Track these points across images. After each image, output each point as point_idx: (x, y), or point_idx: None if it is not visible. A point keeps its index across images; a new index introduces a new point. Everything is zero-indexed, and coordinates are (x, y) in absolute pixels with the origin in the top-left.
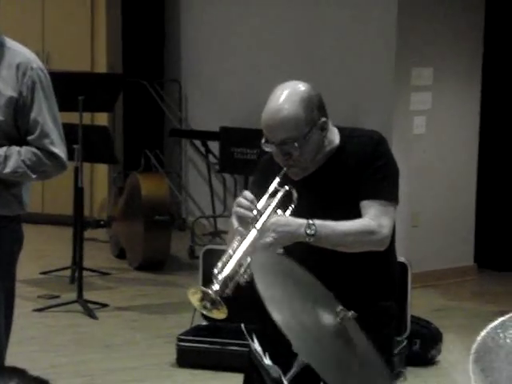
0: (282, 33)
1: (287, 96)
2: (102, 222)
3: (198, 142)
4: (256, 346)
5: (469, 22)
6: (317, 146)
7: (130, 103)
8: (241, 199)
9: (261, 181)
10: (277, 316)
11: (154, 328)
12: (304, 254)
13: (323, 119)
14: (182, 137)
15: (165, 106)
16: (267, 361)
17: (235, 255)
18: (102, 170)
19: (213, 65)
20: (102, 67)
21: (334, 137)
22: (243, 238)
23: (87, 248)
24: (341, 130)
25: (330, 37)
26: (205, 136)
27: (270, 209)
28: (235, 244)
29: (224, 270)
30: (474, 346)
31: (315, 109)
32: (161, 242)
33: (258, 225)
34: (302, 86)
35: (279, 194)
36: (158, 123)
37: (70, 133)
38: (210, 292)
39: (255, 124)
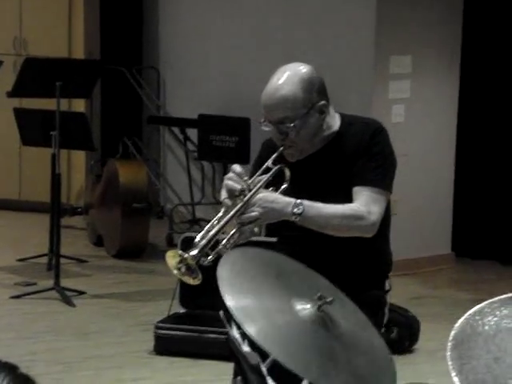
0: (259, 20)
1: (287, 77)
2: (79, 209)
3: (176, 130)
4: (234, 332)
5: (447, 10)
6: (314, 129)
7: (108, 90)
8: (230, 173)
9: (259, 161)
10: (249, 328)
11: (132, 316)
12: (296, 240)
13: (322, 102)
14: (161, 124)
15: (143, 92)
16: (246, 348)
17: (218, 225)
18: (79, 156)
19: (191, 52)
20: (79, 53)
21: (335, 122)
22: (229, 209)
23: (64, 235)
24: (342, 116)
25: (307, 25)
26: (183, 123)
27: (259, 184)
28: (220, 214)
29: (204, 238)
30: (452, 333)
31: (315, 91)
32: (139, 229)
33: (246, 198)
34: (303, 68)
35: (271, 172)
36: (136, 110)
37: (47, 119)
38: (187, 256)
39: (234, 112)
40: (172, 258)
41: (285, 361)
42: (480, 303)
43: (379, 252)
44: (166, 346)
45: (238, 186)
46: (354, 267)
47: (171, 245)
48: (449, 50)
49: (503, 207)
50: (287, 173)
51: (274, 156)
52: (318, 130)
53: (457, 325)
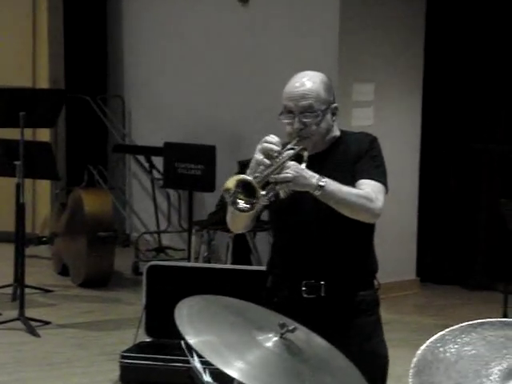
0: (223, 49)
1: (311, 75)
2: (44, 239)
3: (141, 158)
4: (196, 362)
5: (409, 38)
6: (328, 127)
7: (73, 119)
8: (268, 137)
9: None
10: (216, 361)
11: (97, 345)
12: (295, 242)
13: (336, 105)
14: (126, 152)
15: (108, 121)
16: (207, 378)
17: (268, 169)
18: (44, 185)
19: (156, 81)
20: (44, 82)
21: (336, 129)
22: (269, 166)
23: (29, 265)
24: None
25: (272, 52)
26: (148, 151)
27: (292, 152)
28: (261, 168)
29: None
30: (414, 360)
31: (332, 94)
32: (104, 258)
33: (283, 158)
34: (322, 73)
35: (296, 149)
36: (102, 139)
37: (11, 149)
38: (249, 178)
39: (199, 139)
40: (233, 180)
41: None
42: (445, 328)
43: (368, 254)
44: (131, 376)
45: (275, 147)
46: (349, 265)
47: (137, 273)
48: (411, 77)
49: (467, 233)
50: (306, 155)
51: (293, 142)
52: (330, 128)
53: (418, 352)
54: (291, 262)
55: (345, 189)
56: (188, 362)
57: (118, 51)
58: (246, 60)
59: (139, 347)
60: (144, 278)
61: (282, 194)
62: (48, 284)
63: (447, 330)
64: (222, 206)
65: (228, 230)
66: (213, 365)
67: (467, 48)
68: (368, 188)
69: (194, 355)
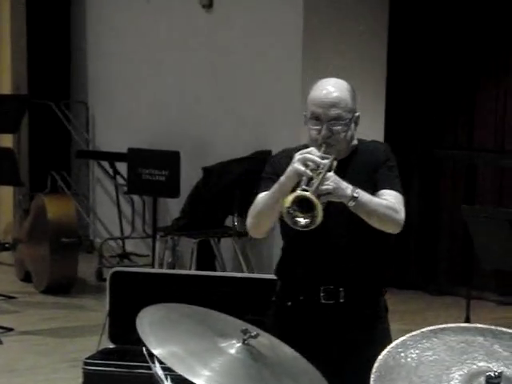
0: (187, 54)
1: (338, 83)
2: (7, 245)
3: (105, 164)
4: (157, 369)
5: (373, 46)
6: (352, 135)
7: (36, 124)
8: (310, 149)
9: (274, 174)
10: (180, 369)
11: (60, 352)
12: (312, 247)
13: (358, 113)
14: (89, 158)
15: (71, 127)
16: None
17: (315, 181)
18: (7, 192)
19: (120, 86)
20: (6, 88)
21: (355, 137)
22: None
23: None
24: None
25: (236, 56)
26: (112, 157)
27: (329, 164)
28: (304, 180)
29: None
30: (376, 365)
31: (357, 103)
32: (68, 264)
33: (325, 169)
34: (345, 81)
35: (330, 159)
36: (65, 144)
37: None
38: (307, 194)
39: (163, 145)
40: (290, 198)
41: None
42: (408, 333)
43: (386, 258)
44: (94, 383)
45: (319, 160)
46: (368, 272)
47: (101, 279)
48: (374, 82)
49: (429, 239)
50: (335, 164)
51: (321, 149)
52: (352, 137)
53: (380, 357)
54: (308, 268)
55: (375, 200)
56: (151, 368)
57: (81, 57)
58: (209, 65)
59: (102, 354)
60: (108, 284)
61: (310, 225)
62: (11, 291)
63: (408, 335)
64: (186, 213)
65: (192, 236)
66: (174, 371)
67: (430, 54)
68: (392, 198)
69: (156, 362)
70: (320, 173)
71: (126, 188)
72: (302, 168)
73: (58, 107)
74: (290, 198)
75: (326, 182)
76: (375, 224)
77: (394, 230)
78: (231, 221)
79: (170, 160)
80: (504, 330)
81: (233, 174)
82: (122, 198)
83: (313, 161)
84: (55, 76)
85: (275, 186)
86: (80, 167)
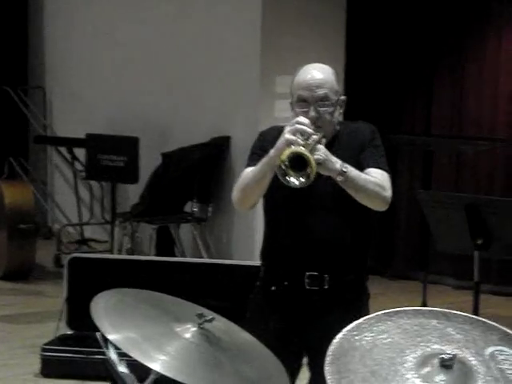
0: (146, 40)
1: (321, 67)
2: None
3: (63, 149)
4: (111, 354)
5: (331, 34)
6: (336, 118)
7: None
8: (299, 119)
9: (262, 149)
10: (135, 354)
11: (18, 338)
12: (297, 232)
13: (344, 97)
14: (47, 144)
15: (29, 112)
16: (122, 368)
17: (309, 147)
18: None
19: (78, 72)
20: None
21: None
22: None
23: None
24: None
25: (195, 46)
26: (70, 143)
27: (315, 138)
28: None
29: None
30: (331, 348)
31: (340, 86)
32: (25, 250)
33: (317, 138)
34: (329, 66)
35: (319, 135)
36: (22, 130)
37: None
38: (303, 150)
39: (121, 131)
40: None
41: (170, 374)
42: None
43: (370, 244)
44: (52, 369)
45: (310, 130)
46: (353, 259)
47: (59, 265)
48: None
49: (386, 224)
50: (324, 142)
51: (314, 137)
52: (337, 120)
53: (335, 340)
54: (292, 253)
55: (363, 176)
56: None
57: (39, 41)
58: (168, 51)
59: (60, 340)
60: (65, 270)
61: (304, 183)
62: None
63: (363, 318)
64: (145, 199)
65: (151, 222)
66: (129, 356)
67: (387, 42)
68: (379, 176)
69: (110, 346)
70: (310, 144)
71: (84, 174)
72: (293, 137)
73: (15, 92)
74: (287, 152)
75: (317, 152)
76: (363, 200)
77: (381, 207)
78: (190, 207)
79: (128, 146)
80: (457, 312)
81: (192, 159)
82: (81, 183)
83: (304, 131)
84: (12, 61)
85: (264, 159)
86: (38, 153)
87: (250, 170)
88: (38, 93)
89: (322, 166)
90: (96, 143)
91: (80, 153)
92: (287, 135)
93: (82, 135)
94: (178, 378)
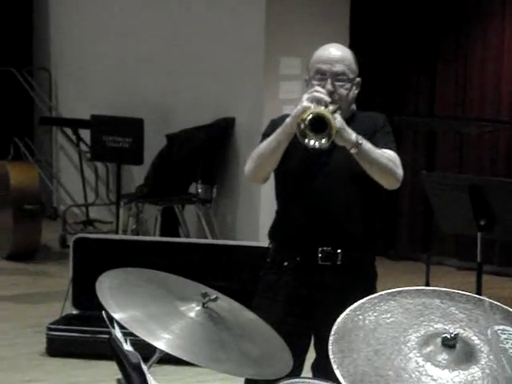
0: (151, 22)
1: (341, 46)
2: None
3: (68, 131)
4: (117, 332)
5: (335, 14)
6: (353, 97)
7: None
8: (317, 87)
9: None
10: (140, 333)
11: (24, 318)
12: (310, 209)
13: (359, 79)
14: (53, 125)
15: (34, 94)
16: (127, 347)
17: (330, 107)
18: None
19: (83, 53)
20: None
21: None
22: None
23: None
24: None
25: (199, 29)
26: (76, 124)
27: (331, 108)
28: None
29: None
30: (334, 328)
31: (358, 67)
32: (31, 231)
33: (335, 107)
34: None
35: (336, 105)
36: (28, 111)
37: None
38: (325, 112)
39: (127, 112)
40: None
41: (175, 353)
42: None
43: (378, 220)
44: (58, 348)
45: (327, 98)
46: (365, 234)
47: (64, 246)
48: None
49: (390, 205)
50: (339, 114)
51: (331, 107)
52: (353, 100)
53: (338, 320)
54: (305, 228)
55: (378, 150)
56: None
57: (44, 23)
58: (173, 33)
59: (66, 319)
60: (71, 250)
61: (325, 144)
62: None
63: (367, 298)
64: (150, 180)
65: (156, 203)
66: (134, 334)
67: (391, 24)
68: (392, 154)
69: (115, 325)
70: (330, 110)
71: (89, 155)
72: (311, 104)
73: (20, 74)
74: (308, 111)
75: (335, 121)
76: (375, 175)
77: (393, 184)
78: (195, 188)
79: (133, 127)
80: (460, 292)
81: (196, 141)
82: (86, 164)
83: (321, 99)
84: (17, 42)
85: (279, 129)
86: (43, 134)
87: (264, 142)
88: (43, 74)
89: (338, 135)
90: (101, 124)
91: (85, 134)
92: (305, 103)
93: (87, 116)
94: (183, 357)
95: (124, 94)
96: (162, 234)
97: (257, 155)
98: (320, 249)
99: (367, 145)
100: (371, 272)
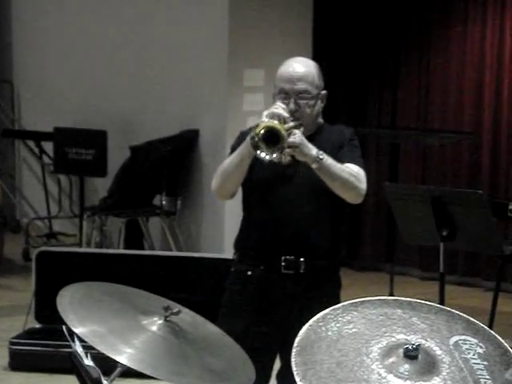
0: (115, 35)
1: (305, 61)
2: None
3: (31, 143)
4: (77, 347)
5: (298, 26)
6: (318, 111)
7: None
8: (278, 104)
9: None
10: (101, 347)
11: None
12: (274, 217)
13: (325, 92)
14: (15, 137)
15: None
16: (88, 361)
17: (290, 123)
18: None
19: (46, 65)
20: None
21: (321, 116)
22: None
23: None
24: None
25: (163, 39)
26: (38, 136)
27: (291, 124)
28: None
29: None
30: (297, 340)
31: (322, 81)
32: None
33: (295, 124)
34: (312, 60)
35: (296, 122)
36: None
37: None
38: (278, 125)
39: (89, 124)
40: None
41: (138, 368)
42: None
43: (342, 230)
44: (21, 362)
45: (286, 114)
46: (328, 244)
47: (27, 259)
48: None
49: (354, 216)
50: (301, 130)
51: (291, 124)
52: (318, 114)
53: (301, 331)
54: (269, 238)
55: (339, 165)
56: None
57: (6, 35)
58: (135, 45)
59: (29, 333)
60: (34, 264)
61: (284, 159)
62: None
63: (330, 308)
64: (113, 192)
65: (119, 215)
66: (95, 349)
67: (353, 36)
68: (355, 169)
69: (76, 339)
70: (286, 127)
71: (52, 167)
72: (266, 118)
73: None
74: (262, 124)
75: (293, 136)
76: (338, 190)
77: (355, 198)
78: (159, 200)
79: (96, 139)
80: (422, 302)
81: (160, 153)
82: (49, 177)
83: (280, 115)
84: None
85: (242, 145)
86: (6, 146)
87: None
88: (5, 87)
89: (298, 150)
90: (64, 137)
91: (48, 147)
92: (263, 118)
93: (49, 129)
94: (145, 371)
95: (87, 107)
96: (126, 247)
97: (221, 171)
98: (283, 257)
99: (328, 160)
100: (335, 280)
